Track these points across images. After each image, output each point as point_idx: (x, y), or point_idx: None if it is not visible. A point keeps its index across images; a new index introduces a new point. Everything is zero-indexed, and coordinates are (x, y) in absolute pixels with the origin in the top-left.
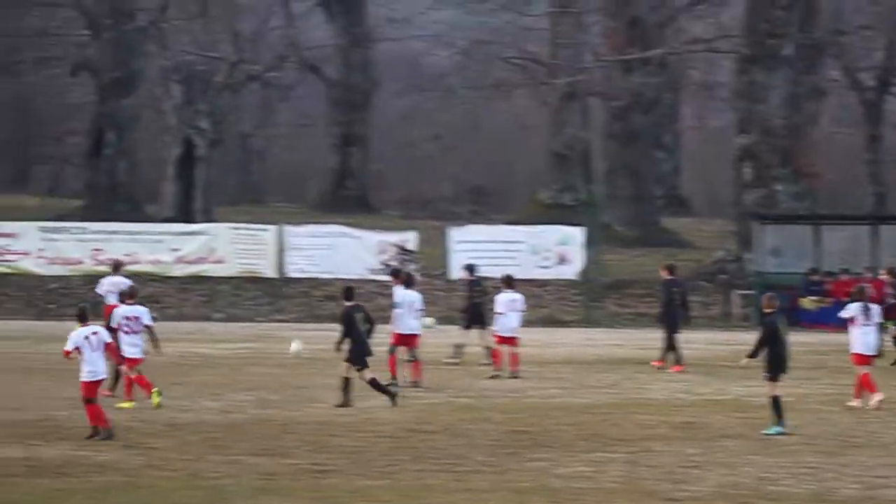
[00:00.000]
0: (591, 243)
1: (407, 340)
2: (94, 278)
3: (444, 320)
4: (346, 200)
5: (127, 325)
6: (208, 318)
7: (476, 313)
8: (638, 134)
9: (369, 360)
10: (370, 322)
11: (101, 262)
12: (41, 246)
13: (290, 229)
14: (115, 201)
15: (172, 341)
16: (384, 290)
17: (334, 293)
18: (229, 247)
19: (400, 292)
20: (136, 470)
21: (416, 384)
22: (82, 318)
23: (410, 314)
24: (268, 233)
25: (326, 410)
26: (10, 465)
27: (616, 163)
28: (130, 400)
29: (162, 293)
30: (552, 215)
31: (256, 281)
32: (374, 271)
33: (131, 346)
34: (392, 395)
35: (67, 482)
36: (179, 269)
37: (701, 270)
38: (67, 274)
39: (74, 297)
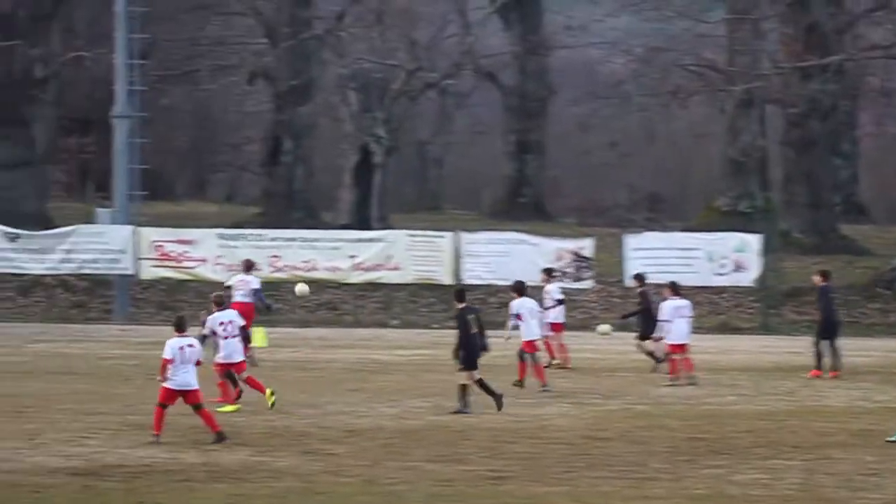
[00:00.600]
0: (768, 250)
1: (533, 346)
2: (270, 285)
3: (619, 328)
4: (522, 207)
5: (224, 331)
6: (385, 325)
7: (647, 321)
8: (815, 141)
9: (487, 355)
10: (481, 327)
11: (279, 269)
12: (219, 253)
13: (466, 236)
14: (292, 208)
15: (349, 348)
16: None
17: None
18: (406, 253)
19: (516, 303)
20: (314, 475)
21: (544, 388)
22: (179, 328)
23: (533, 319)
24: (444, 239)
25: (503, 417)
26: (190, 470)
27: (793, 170)
28: (228, 402)
29: (339, 300)
30: (729, 222)
31: (433, 288)
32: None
33: (233, 351)
34: (498, 398)
35: (245, 488)
36: (356, 276)
37: (878, 278)
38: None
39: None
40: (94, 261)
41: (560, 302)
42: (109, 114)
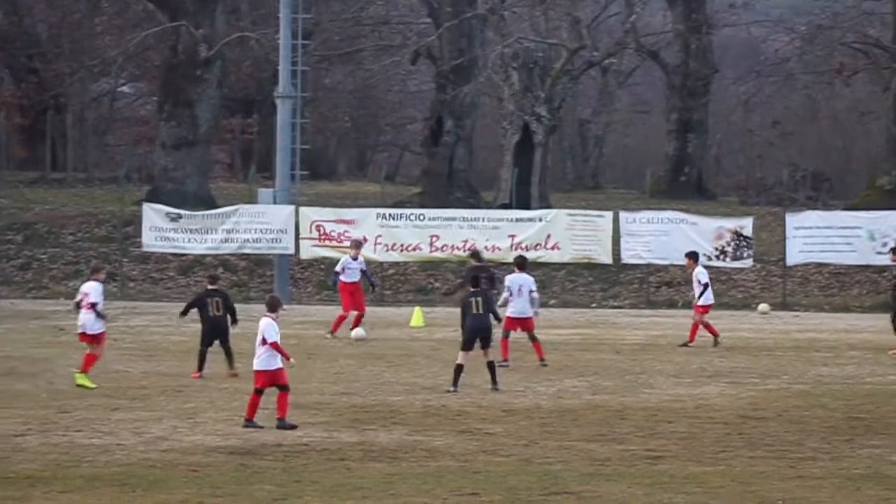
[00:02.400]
0: None
1: (519, 324)
2: (430, 265)
3: (778, 307)
4: (683, 186)
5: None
6: (543, 304)
7: None
8: None
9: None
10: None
11: (438, 249)
12: (379, 232)
13: (626, 215)
14: (452, 188)
15: None
16: (720, 276)
17: (670, 280)
18: (565, 233)
19: (511, 277)
20: (470, 455)
21: (543, 364)
22: (272, 308)
23: (520, 297)
24: (604, 219)
25: (660, 396)
26: (346, 449)
27: None
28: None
29: (498, 280)
30: (891, 201)
31: (592, 267)
32: (710, 258)
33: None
34: (494, 381)
35: (401, 467)
36: (516, 255)
37: None
38: (404, 260)
39: (411, 283)
40: (255, 240)
41: (706, 286)
42: (272, 94)
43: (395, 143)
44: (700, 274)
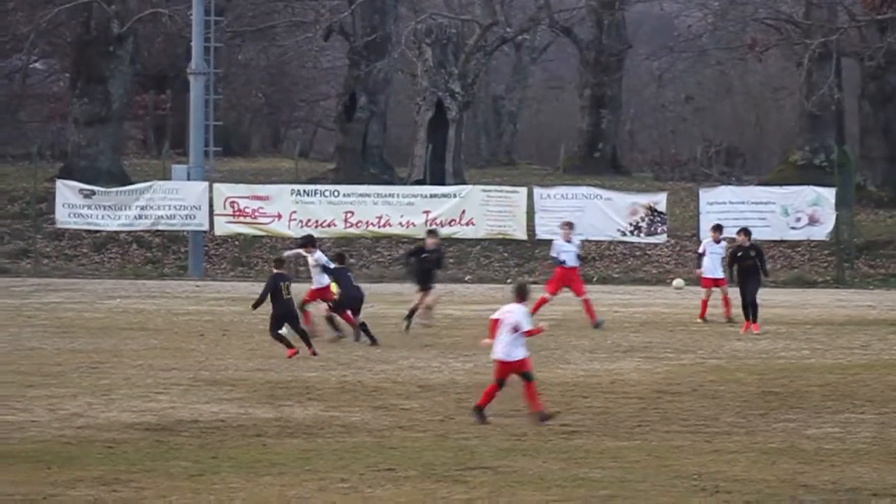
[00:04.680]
0: (843, 204)
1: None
2: (344, 241)
3: (692, 282)
4: (598, 162)
5: None
6: (459, 280)
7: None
8: (893, 94)
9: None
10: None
11: (353, 225)
12: (294, 208)
13: (540, 191)
14: (366, 164)
15: None
16: (634, 251)
17: (584, 255)
18: (480, 209)
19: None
20: (386, 430)
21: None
22: (524, 295)
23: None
24: (518, 195)
25: (575, 371)
26: (262, 425)
27: (870, 123)
28: None
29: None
30: (804, 176)
31: (507, 243)
32: (625, 233)
33: None
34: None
35: (317, 443)
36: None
37: None
38: (319, 236)
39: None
40: (170, 217)
41: (700, 255)
42: (185, 70)
43: (309, 119)
44: (708, 246)
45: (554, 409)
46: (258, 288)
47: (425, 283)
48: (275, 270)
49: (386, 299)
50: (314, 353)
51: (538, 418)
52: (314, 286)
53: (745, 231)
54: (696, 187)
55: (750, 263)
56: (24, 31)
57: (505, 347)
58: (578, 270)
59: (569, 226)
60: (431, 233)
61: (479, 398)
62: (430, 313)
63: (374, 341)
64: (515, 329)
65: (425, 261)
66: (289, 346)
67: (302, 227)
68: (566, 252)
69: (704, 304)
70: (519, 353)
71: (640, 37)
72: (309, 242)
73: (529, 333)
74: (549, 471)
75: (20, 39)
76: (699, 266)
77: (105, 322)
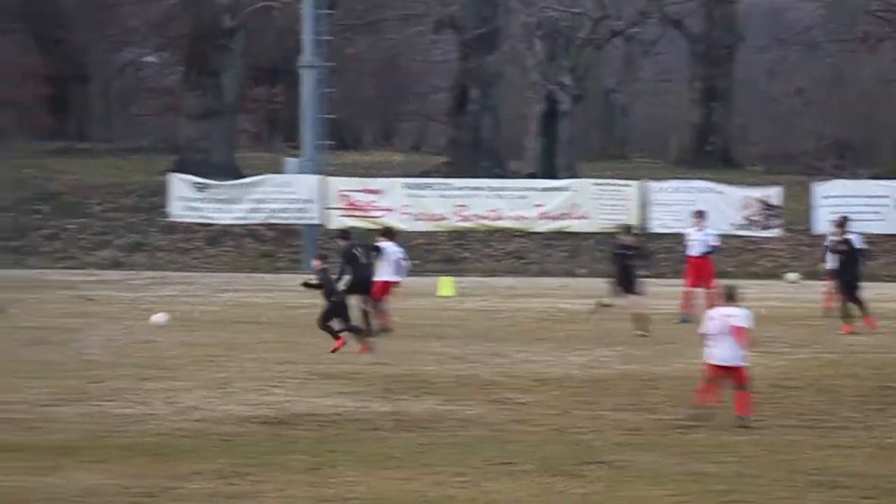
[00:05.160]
0: None
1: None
2: (457, 235)
3: (808, 276)
4: (709, 156)
5: None
6: (572, 274)
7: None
8: None
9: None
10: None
11: (465, 219)
12: (406, 202)
13: (653, 185)
14: (478, 158)
15: (537, 296)
16: (748, 245)
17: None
18: (592, 202)
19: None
20: (503, 424)
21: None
22: (734, 297)
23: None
24: (631, 188)
25: (691, 366)
26: (379, 419)
27: None
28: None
29: (525, 249)
30: None
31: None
32: (738, 227)
33: None
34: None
35: (433, 436)
36: (542, 224)
37: None
38: (432, 230)
39: (439, 253)
40: (282, 210)
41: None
42: (296, 63)
43: (420, 112)
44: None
45: (682, 405)
46: None
47: (626, 285)
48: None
49: (498, 293)
50: (365, 351)
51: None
52: (383, 278)
53: (840, 222)
54: (808, 181)
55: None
56: (136, 24)
57: (730, 352)
58: (710, 260)
59: (700, 215)
60: (626, 230)
61: (699, 398)
62: (642, 323)
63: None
64: (736, 332)
65: (623, 258)
66: (336, 337)
67: (415, 220)
68: (696, 242)
69: (830, 296)
70: (739, 359)
71: (750, 29)
72: (387, 234)
73: (748, 340)
74: (665, 465)
75: (132, 33)
76: (825, 260)
77: (220, 316)
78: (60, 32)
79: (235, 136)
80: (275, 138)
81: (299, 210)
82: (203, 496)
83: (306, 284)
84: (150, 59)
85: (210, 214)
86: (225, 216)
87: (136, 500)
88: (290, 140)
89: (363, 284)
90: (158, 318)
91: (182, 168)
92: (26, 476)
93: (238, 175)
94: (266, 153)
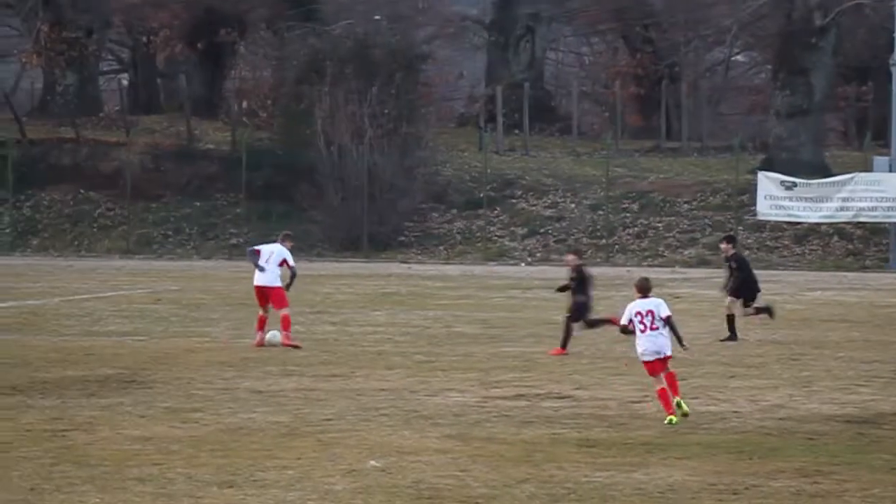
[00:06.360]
0: None
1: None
2: None
3: None
4: None
5: None
6: None
7: None
8: None
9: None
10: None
11: None
12: None
13: None
14: None
15: None
16: None
17: None
18: None
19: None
20: None
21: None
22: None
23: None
24: None
25: None
26: None
27: None
28: None
29: None
30: None
31: None
32: None
33: None
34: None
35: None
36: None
37: None
38: None
39: None
40: (871, 209)
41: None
42: (887, 61)
43: None
44: None
45: None
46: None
47: None
48: None
49: None
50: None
51: None
52: None
53: None
54: None
55: None
56: (727, 23)
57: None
58: None
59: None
60: None
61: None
62: None
63: None
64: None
65: None
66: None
67: None
68: None
69: None
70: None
71: None
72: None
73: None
74: None
75: (723, 32)
76: None
77: (806, 314)
78: (650, 32)
79: (823, 134)
80: (863, 136)
81: (888, 209)
82: (788, 494)
83: None
84: (739, 57)
85: (798, 213)
86: (812, 214)
87: (720, 497)
88: (880, 138)
89: None
90: None
91: (770, 166)
92: (614, 471)
93: (827, 173)
94: (855, 151)
